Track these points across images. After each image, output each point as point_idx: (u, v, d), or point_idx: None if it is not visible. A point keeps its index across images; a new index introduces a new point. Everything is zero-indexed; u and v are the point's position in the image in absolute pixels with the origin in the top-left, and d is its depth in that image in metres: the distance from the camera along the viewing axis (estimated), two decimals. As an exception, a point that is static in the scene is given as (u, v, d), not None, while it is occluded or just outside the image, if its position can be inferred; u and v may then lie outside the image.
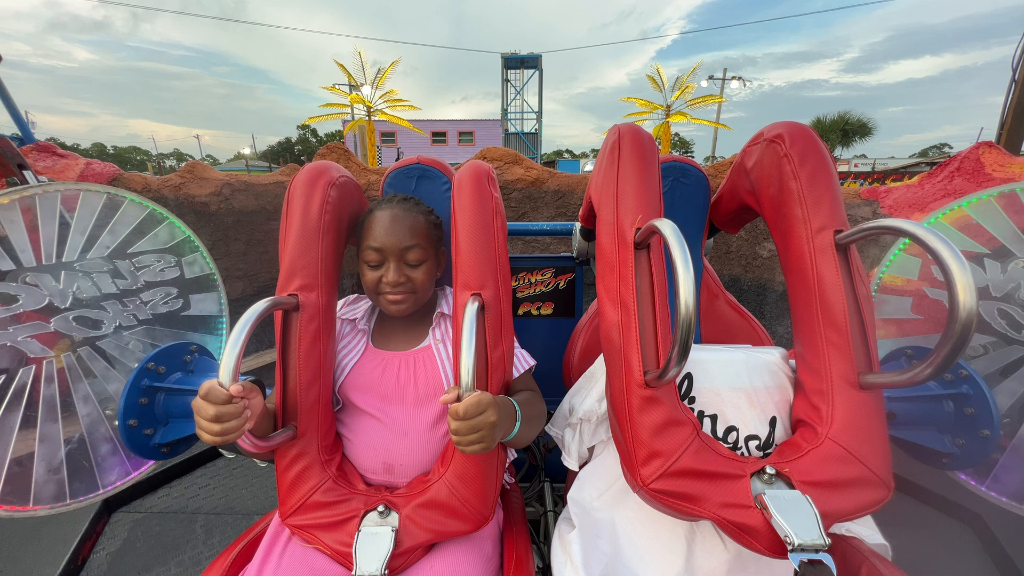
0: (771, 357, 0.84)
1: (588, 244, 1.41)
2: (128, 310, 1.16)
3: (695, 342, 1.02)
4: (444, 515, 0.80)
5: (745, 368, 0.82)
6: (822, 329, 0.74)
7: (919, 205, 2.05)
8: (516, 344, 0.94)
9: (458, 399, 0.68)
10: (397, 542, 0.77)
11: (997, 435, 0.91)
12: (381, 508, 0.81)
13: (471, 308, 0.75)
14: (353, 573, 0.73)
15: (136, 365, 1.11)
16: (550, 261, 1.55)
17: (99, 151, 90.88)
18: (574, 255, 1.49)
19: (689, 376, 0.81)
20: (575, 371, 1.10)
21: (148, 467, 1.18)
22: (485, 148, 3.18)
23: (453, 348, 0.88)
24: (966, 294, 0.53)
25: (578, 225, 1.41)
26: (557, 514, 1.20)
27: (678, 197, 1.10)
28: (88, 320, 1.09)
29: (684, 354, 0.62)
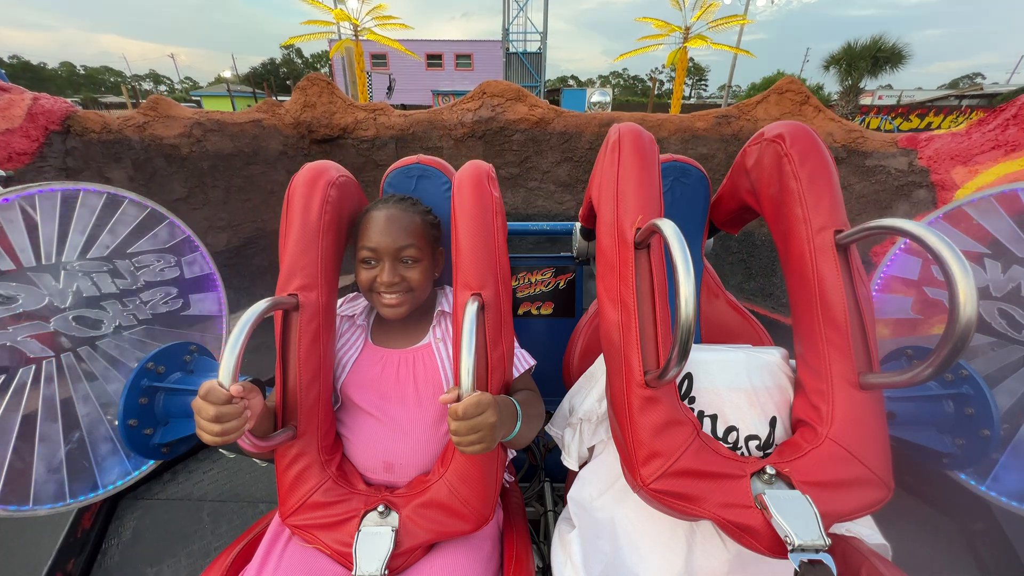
0: (771, 357, 0.84)
1: (588, 244, 1.41)
2: (128, 310, 1.16)
3: (695, 342, 1.02)
4: (444, 515, 0.80)
5: (745, 368, 0.82)
6: (822, 329, 0.74)
7: (963, 157, 1.77)
8: (516, 344, 0.94)
9: (458, 399, 0.68)
10: (397, 542, 0.77)
11: (997, 435, 0.91)
12: (381, 508, 0.81)
13: (471, 308, 0.75)
14: (353, 573, 0.73)
15: (136, 365, 1.11)
16: (550, 261, 1.55)
17: (68, 72, 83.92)
18: (574, 255, 1.49)
19: (689, 376, 0.81)
20: (575, 371, 1.10)
21: (148, 467, 1.18)
22: (485, 82, 3.01)
23: (453, 348, 0.88)
24: (966, 294, 0.53)
25: (578, 225, 1.41)
26: (557, 514, 1.20)
27: (678, 197, 1.10)
28: (88, 320, 1.09)
29: (684, 354, 0.62)
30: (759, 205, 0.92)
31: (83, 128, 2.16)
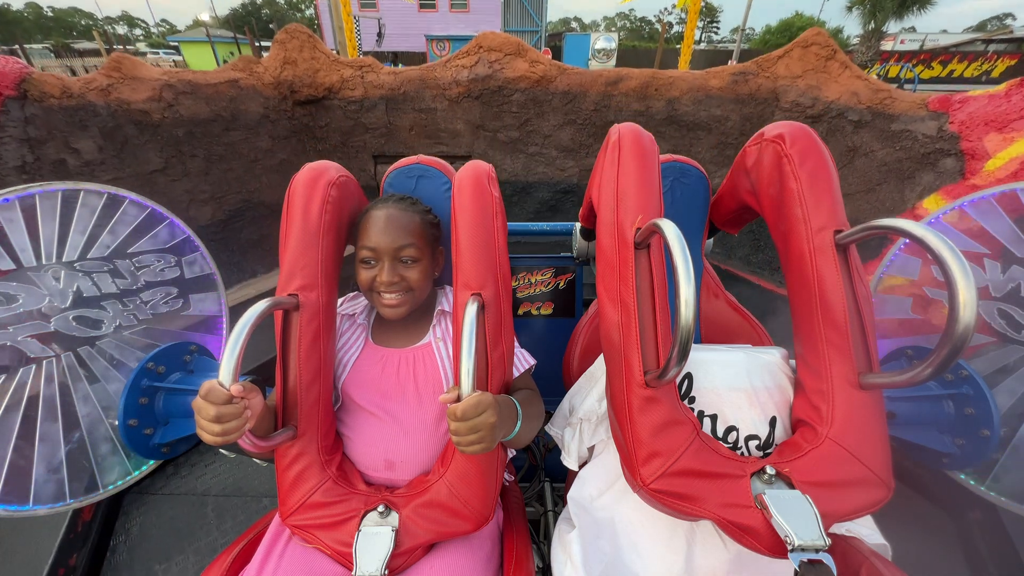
0: (771, 357, 0.84)
1: (588, 244, 1.41)
2: (128, 310, 1.16)
3: (695, 342, 1.02)
4: (444, 515, 0.80)
5: (745, 368, 0.82)
6: (822, 329, 0.74)
7: (998, 123, 1.57)
8: (516, 344, 0.95)
9: (458, 399, 0.68)
10: (397, 542, 0.77)
11: (997, 435, 0.91)
12: (381, 508, 0.81)
13: (471, 308, 0.75)
14: (353, 573, 0.73)
15: (136, 365, 1.11)
16: (550, 261, 1.55)
17: (35, 14, 77.29)
18: (574, 255, 1.49)
19: (689, 376, 0.81)
20: (575, 371, 1.10)
21: (148, 467, 1.18)
22: (482, 35, 2.81)
23: (453, 348, 0.88)
24: (966, 295, 0.53)
25: (578, 225, 1.41)
26: (557, 514, 1.20)
27: (678, 197, 1.10)
28: (88, 320, 1.09)
29: (684, 354, 0.62)
30: (759, 205, 0.92)
31: (41, 93, 1.89)
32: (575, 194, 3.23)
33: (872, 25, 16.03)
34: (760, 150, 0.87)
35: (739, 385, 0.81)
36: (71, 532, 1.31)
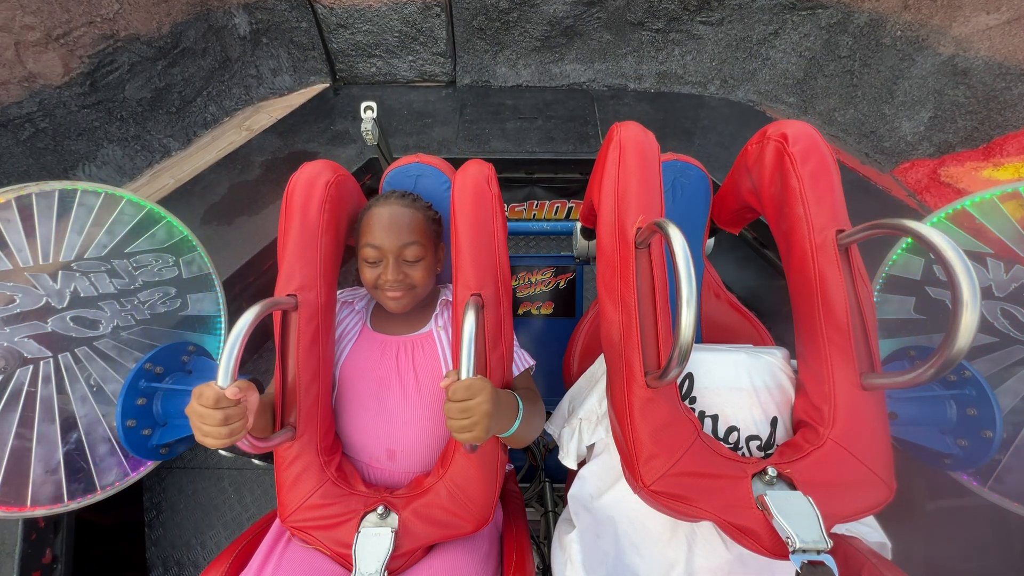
0: (772, 357, 0.84)
1: (588, 244, 1.41)
2: (126, 310, 1.15)
3: (696, 342, 1.02)
4: (444, 516, 0.80)
5: (746, 368, 0.82)
6: (824, 329, 0.74)
7: None
8: (516, 344, 0.94)
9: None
10: (396, 544, 0.76)
11: (1000, 436, 0.90)
12: (380, 509, 0.80)
13: (471, 308, 0.75)
14: (352, 574, 0.72)
15: (134, 366, 1.11)
16: (550, 261, 1.54)
17: None
18: (574, 255, 1.49)
19: (690, 376, 0.81)
20: (575, 371, 1.10)
21: (147, 467, 1.17)
22: None
23: (452, 349, 0.88)
24: (969, 295, 0.52)
25: (578, 225, 1.40)
26: (557, 515, 1.20)
27: (679, 196, 1.10)
28: (86, 320, 1.09)
29: (685, 355, 0.61)
30: (760, 204, 0.91)
31: None
32: (602, 7, 2.28)
33: None
34: (762, 148, 0.87)
35: (740, 385, 0.80)
36: (31, 532, 1.24)
